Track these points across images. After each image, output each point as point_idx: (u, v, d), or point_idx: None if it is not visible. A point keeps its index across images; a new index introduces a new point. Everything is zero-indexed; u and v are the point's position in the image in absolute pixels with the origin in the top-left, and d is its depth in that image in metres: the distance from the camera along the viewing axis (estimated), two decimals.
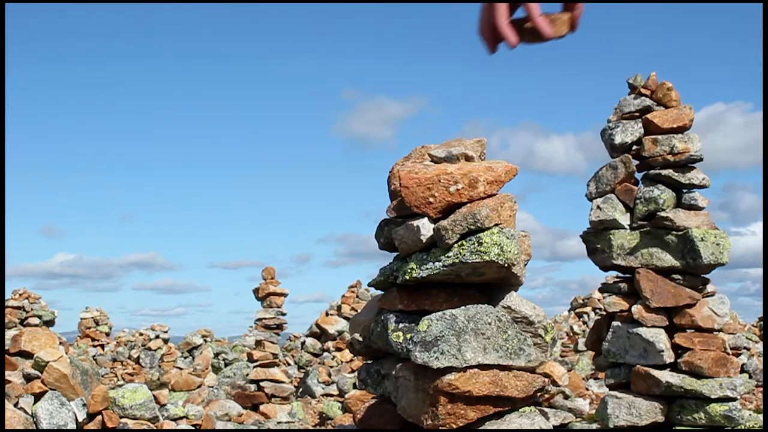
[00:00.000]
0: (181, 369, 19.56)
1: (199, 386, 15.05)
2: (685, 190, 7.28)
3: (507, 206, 2.49)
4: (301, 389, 17.48)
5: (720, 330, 7.13)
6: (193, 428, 10.44)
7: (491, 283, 2.59)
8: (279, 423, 13.34)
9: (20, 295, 23.36)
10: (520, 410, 2.58)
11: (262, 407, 14.34)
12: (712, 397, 6.74)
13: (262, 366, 14.79)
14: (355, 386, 14.18)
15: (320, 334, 22.86)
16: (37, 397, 8.19)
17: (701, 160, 7.21)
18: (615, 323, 7.24)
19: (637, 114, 7.47)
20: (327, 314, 23.11)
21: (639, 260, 7.15)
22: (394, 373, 2.62)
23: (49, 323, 23.20)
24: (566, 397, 10.83)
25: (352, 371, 16.55)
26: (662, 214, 7.05)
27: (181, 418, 10.50)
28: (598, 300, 24.94)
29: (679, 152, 7.14)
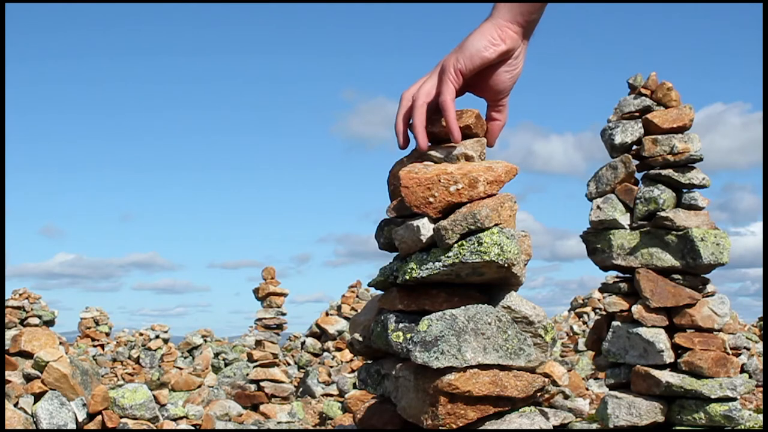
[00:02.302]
0: (181, 369, 19.57)
1: (199, 386, 15.05)
2: (685, 190, 7.28)
3: (507, 206, 2.48)
4: (301, 389, 17.49)
5: (720, 330, 7.13)
6: (193, 428, 10.44)
7: (491, 283, 2.58)
8: (279, 423, 13.34)
9: (20, 295, 23.35)
10: (520, 410, 2.58)
11: (262, 407, 14.34)
12: (712, 397, 6.75)
13: (262, 366, 14.79)
14: (355, 386, 14.18)
15: (320, 334, 22.85)
16: (37, 397, 8.19)
17: (701, 160, 7.22)
18: (615, 323, 7.24)
19: (637, 114, 7.48)
20: (327, 314, 23.10)
21: (639, 260, 7.15)
22: (394, 373, 2.61)
23: (49, 323, 23.19)
24: (566, 397, 10.84)
25: (352, 371, 16.55)
26: (662, 214, 7.05)
27: (181, 418, 10.50)
28: (598, 300, 24.95)
29: (679, 152, 7.15)
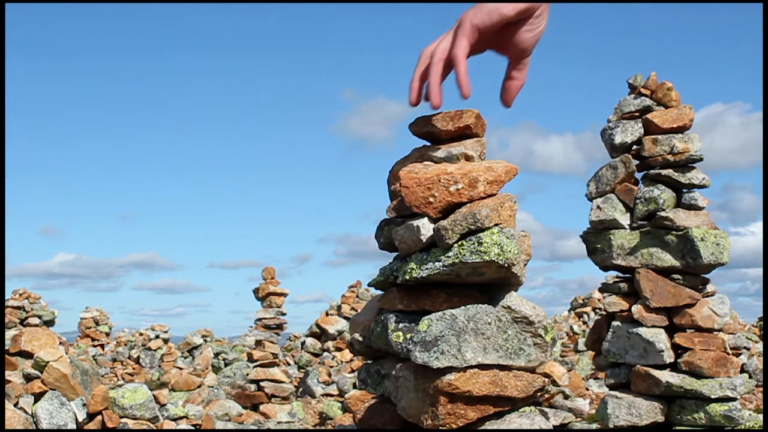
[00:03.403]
0: (181, 369, 19.57)
1: (199, 386, 15.06)
2: (685, 190, 7.28)
3: (507, 206, 2.48)
4: (301, 389, 17.48)
5: (720, 330, 7.13)
6: (193, 428, 10.44)
7: (491, 283, 2.58)
8: (279, 423, 13.34)
9: (20, 295, 23.34)
10: (520, 410, 2.58)
11: (262, 407, 14.34)
12: (712, 397, 6.75)
13: (262, 366, 14.79)
14: (355, 386, 14.18)
15: (320, 334, 22.85)
16: (37, 397, 8.19)
17: (701, 160, 7.21)
18: (615, 323, 7.24)
19: (637, 114, 7.48)
20: (327, 314, 23.10)
21: (639, 260, 7.15)
22: (394, 373, 2.62)
23: (49, 323, 23.19)
24: (566, 397, 10.84)
25: (352, 371, 16.55)
26: (662, 214, 7.05)
27: (181, 418, 10.50)
28: (598, 300, 24.95)
29: (679, 152, 7.15)
